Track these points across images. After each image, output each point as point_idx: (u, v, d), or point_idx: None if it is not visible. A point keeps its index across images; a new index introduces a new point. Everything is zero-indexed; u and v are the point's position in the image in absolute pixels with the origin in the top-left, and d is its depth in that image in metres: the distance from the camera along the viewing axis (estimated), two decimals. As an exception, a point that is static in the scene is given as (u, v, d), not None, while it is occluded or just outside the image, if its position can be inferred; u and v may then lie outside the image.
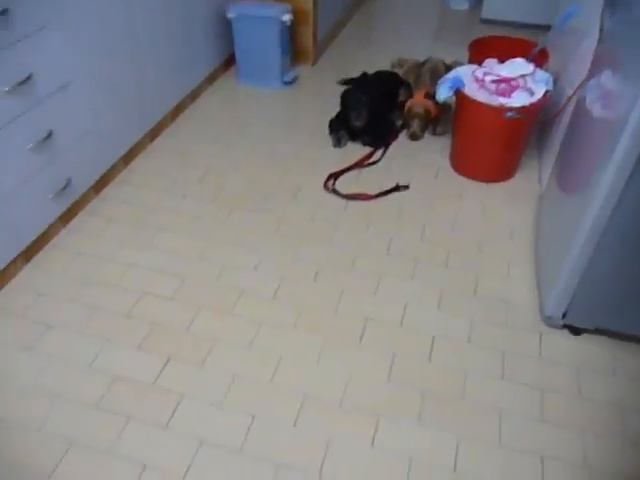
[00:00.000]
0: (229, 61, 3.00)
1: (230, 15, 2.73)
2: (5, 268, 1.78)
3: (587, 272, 1.49)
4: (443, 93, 2.17)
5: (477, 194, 2.22)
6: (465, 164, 2.30)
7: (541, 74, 2.11)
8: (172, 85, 2.53)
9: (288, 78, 2.90)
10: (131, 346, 1.63)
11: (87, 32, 1.91)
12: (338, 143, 2.45)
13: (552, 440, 1.41)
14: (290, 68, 2.96)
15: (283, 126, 2.63)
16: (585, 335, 1.67)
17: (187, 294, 1.79)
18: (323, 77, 2.98)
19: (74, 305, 1.75)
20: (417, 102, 2.51)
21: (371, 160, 2.38)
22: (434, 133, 2.55)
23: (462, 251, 1.96)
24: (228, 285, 1.82)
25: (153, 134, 2.48)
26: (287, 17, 2.69)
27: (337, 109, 2.52)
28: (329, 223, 2.07)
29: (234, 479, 1.33)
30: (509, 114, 2.02)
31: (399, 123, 2.58)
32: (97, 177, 2.13)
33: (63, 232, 2.01)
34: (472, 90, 2.10)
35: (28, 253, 1.88)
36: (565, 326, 1.67)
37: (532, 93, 2.05)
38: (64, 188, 1.93)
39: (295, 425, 1.44)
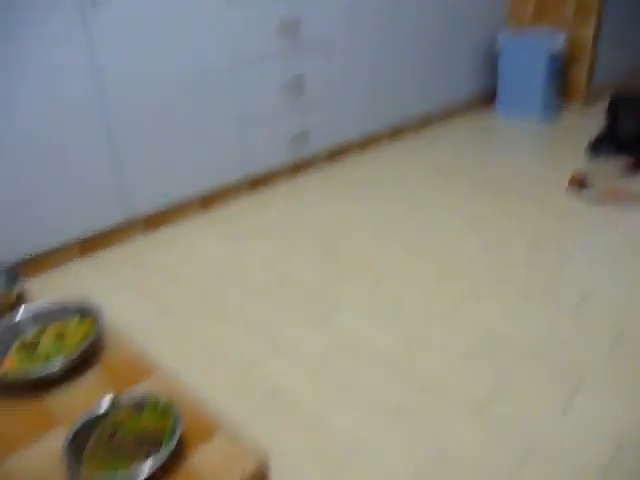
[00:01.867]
0: (490, 97, 2.94)
1: (499, 46, 2.69)
2: (231, 187, 1.93)
3: None
4: None
5: None
6: None
7: None
8: (422, 96, 2.57)
9: (551, 112, 2.66)
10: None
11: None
12: (596, 153, 2.09)
13: None
14: (555, 102, 2.73)
15: (532, 153, 2.36)
16: None
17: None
18: (592, 118, 2.64)
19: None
20: None
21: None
22: None
23: None
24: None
25: (382, 138, 2.51)
26: (557, 43, 2.52)
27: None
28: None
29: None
30: None
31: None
32: (330, 145, 2.21)
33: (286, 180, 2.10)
34: None
35: (253, 184, 2.00)
36: None
37: None
38: (300, 137, 2.03)
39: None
